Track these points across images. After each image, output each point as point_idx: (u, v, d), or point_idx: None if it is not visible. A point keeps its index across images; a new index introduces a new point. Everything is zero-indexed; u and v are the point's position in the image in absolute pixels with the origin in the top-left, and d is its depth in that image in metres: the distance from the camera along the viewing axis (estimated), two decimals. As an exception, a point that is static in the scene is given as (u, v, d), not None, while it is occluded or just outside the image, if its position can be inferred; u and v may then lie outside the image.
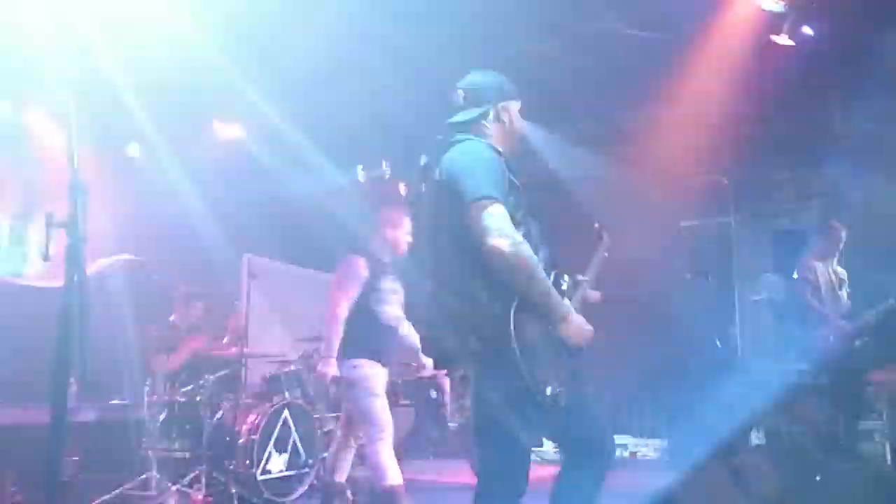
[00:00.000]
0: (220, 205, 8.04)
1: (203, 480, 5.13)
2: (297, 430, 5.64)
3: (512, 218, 2.41)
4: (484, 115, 2.67)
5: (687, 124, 7.69)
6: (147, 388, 5.61)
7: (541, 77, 6.20)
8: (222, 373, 5.85)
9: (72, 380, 1.84)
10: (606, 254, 3.00)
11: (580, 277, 2.80)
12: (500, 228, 2.30)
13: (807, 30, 5.81)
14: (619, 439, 8.74)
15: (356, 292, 4.40)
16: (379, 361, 4.42)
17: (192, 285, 6.32)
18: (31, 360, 5.85)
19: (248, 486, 5.23)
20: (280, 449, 5.45)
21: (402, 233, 4.59)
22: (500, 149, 2.60)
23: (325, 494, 4.63)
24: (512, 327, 2.28)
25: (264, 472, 5.33)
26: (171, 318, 6.07)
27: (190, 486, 5.05)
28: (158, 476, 5.08)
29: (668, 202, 8.49)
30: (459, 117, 2.68)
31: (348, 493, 4.75)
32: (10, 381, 5.60)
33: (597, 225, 3.09)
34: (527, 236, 2.47)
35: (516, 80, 2.83)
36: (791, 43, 5.81)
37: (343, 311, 4.37)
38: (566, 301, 2.52)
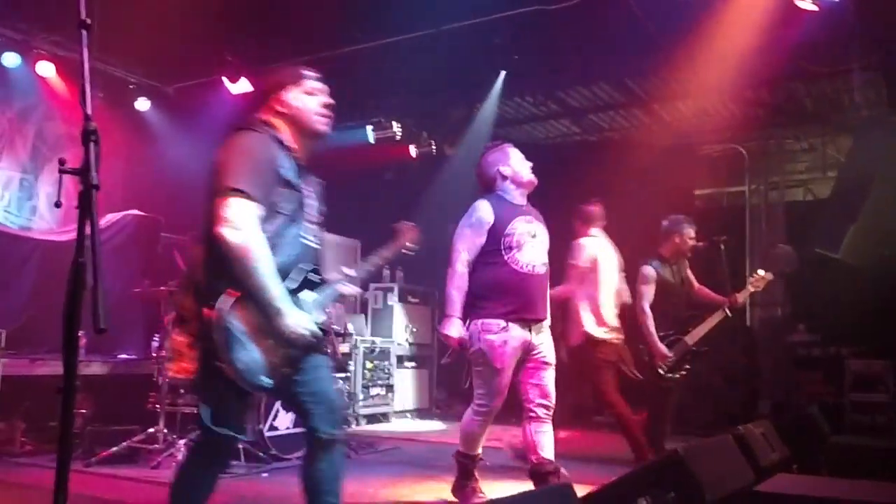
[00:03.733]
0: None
1: (210, 435, 5.14)
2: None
3: (275, 212, 2.48)
4: (264, 111, 2.67)
5: (704, 91, 7.56)
6: (155, 344, 5.61)
7: (554, 38, 6.09)
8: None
9: (82, 333, 1.80)
10: (405, 250, 3.10)
11: (345, 270, 2.82)
12: (234, 221, 2.35)
13: (832, -5, 5.63)
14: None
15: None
16: None
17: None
18: (41, 313, 5.89)
19: (255, 441, 5.25)
20: (287, 407, 5.46)
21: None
22: (286, 141, 2.61)
23: (537, 478, 3.91)
24: (228, 312, 2.37)
25: (271, 428, 5.34)
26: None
27: (197, 440, 5.06)
28: (166, 430, 5.10)
29: (683, 169, 8.40)
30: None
31: (562, 470, 3.97)
32: (21, 333, 5.60)
33: (397, 224, 3.14)
34: (283, 230, 2.52)
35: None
36: (815, 8, 5.64)
37: None
38: (311, 295, 2.59)
